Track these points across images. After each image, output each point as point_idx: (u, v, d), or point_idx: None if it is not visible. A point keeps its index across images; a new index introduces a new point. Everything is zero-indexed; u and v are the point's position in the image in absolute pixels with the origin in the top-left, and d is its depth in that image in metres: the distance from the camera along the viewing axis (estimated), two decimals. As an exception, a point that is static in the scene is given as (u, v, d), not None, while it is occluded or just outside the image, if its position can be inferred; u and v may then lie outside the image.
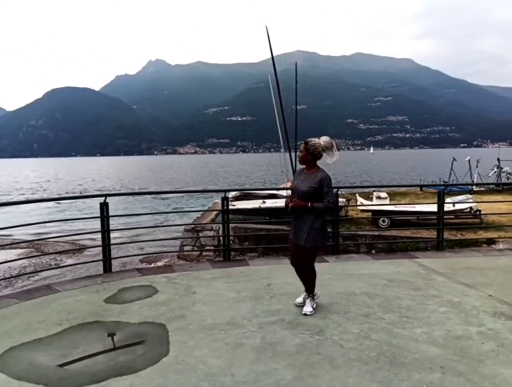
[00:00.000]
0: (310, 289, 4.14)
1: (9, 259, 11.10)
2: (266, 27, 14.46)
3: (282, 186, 15.35)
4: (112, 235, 6.00)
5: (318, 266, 5.80)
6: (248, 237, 12.28)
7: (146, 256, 13.23)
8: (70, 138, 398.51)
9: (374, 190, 15.40)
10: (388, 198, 13.53)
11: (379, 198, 13.27)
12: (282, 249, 9.34)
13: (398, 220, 12.28)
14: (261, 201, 14.36)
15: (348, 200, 13.82)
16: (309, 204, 3.78)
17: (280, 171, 17.11)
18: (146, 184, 49.39)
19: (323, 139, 3.83)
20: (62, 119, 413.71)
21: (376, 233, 11.46)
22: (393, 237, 10.91)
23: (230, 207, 14.60)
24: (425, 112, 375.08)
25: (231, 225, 12.90)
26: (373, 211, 12.65)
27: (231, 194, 15.29)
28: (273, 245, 10.71)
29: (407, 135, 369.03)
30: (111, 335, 3.76)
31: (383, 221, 12.25)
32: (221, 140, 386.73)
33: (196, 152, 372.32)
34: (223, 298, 4.61)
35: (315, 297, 4.22)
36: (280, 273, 5.50)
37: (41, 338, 3.66)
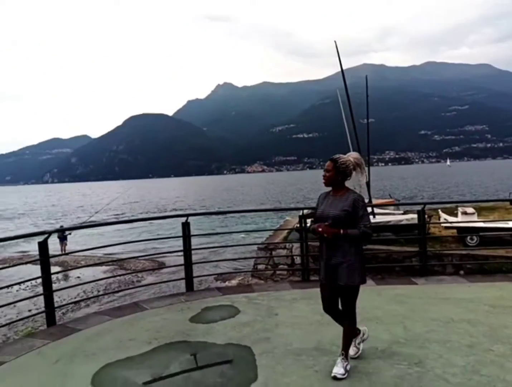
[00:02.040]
0: (346, 344, 3.29)
1: (97, 278, 11.94)
2: (335, 42, 14.29)
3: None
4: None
5: (407, 289, 5.43)
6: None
7: (221, 274, 13.43)
8: (147, 161, 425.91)
9: (457, 206, 14.29)
10: (476, 214, 12.44)
11: (465, 213, 12.24)
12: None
13: (489, 237, 11.20)
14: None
15: (429, 216, 12.95)
16: (342, 231, 3.09)
17: (353, 187, 16.59)
18: (220, 203, 50.75)
19: (353, 156, 3.25)
20: (140, 144, 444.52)
21: (464, 252, 10.54)
22: (484, 257, 9.96)
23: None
24: (508, 119, 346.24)
25: (310, 244, 12.66)
26: (458, 228, 11.69)
27: (305, 211, 15.05)
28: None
29: (488, 145, 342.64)
30: (199, 356, 3.74)
31: (471, 239, 11.25)
32: (287, 158, 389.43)
33: (263, 170, 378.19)
34: (306, 321, 4.43)
35: (358, 341, 3.50)
36: (364, 295, 5.12)
37: (132, 356, 3.76)
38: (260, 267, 13.13)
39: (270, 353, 3.70)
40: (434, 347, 3.62)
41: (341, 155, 3.25)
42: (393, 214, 13.62)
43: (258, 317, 4.62)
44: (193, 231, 6.11)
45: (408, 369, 3.27)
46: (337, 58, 14.55)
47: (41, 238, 4.74)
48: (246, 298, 5.37)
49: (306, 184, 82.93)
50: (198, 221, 29.59)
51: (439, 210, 14.65)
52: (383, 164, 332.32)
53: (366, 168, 3.36)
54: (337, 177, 3.20)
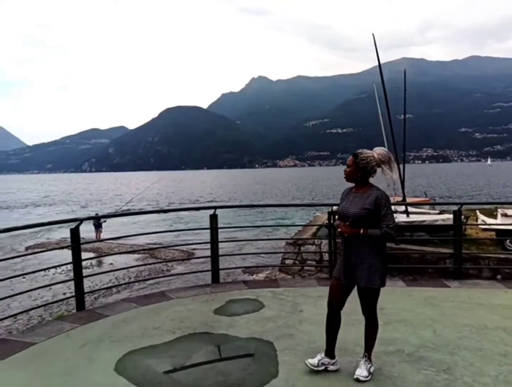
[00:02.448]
0: (369, 346, 3.20)
1: (128, 265, 12.28)
2: (373, 35, 13.88)
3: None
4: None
5: (439, 292, 5.22)
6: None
7: (248, 267, 13.45)
8: (181, 153, 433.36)
9: (497, 207, 13.64)
10: None
11: (505, 215, 11.67)
12: (394, 269, 8.70)
13: (530, 241, 10.63)
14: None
15: (466, 217, 12.45)
16: (362, 231, 2.95)
17: (387, 185, 16.15)
18: (251, 197, 50.92)
19: (377, 151, 3.06)
20: (174, 136, 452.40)
21: (502, 256, 10.07)
22: (524, 261, 9.47)
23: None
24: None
25: (338, 241, 12.43)
26: (497, 230, 11.17)
27: (335, 208, 14.80)
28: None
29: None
30: (221, 348, 3.75)
31: (511, 242, 10.73)
32: (320, 153, 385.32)
33: (295, 165, 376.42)
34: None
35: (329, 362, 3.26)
36: (394, 296, 5.04)
37: (156, 344, 3.81)
38: (287, 262, 13.06)
39: (292, 350, 3.65)
40: (465, 354, 3.46)
41: (364, 150, 3.10)
42: (428, 213, 13.18)
43: (282, 313, 4.57)
44: (222, 224, 6.14)
45: (436, 375, 3.14)
46: (375, 52, 14.16)
47: (73, 225, 4.87)
48: (271, 292, 5.33)
49: (338, 181, 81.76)
50: (229, 213, 29.78)
51: (477, 211, 14.06)
52: (420, 161, 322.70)
53: (396, 166, 3.17)
54: (357, 173, 3.06)
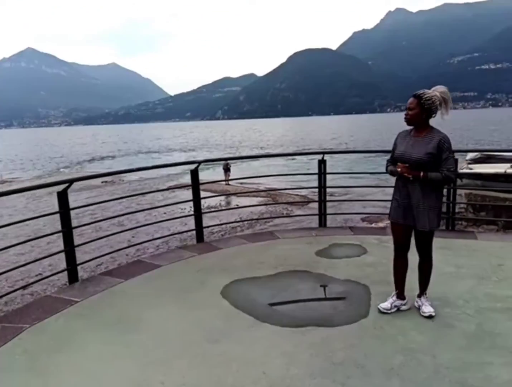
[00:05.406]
0: (426, 285, 3.41)
1: (248, 205, 13.17)
2: None
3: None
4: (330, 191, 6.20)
5: None
6: (486, 207, 10.58)
7: (360, 215, 13.09)
8: (308, 99, 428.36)
9: None
10: None
11: None
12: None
13: None
14: (508, 165, 12.02)
15: None
16: (422, 173, 2.97)
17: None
18: (377, 144, 48.51)
19: (440, 90, 2.98)
20: (301, 81, 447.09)
21: None
22: None
23: (467, 171, 12.78)
24: None
25: (465, 191, 11.35)
26: None
27: (469, 155, 13.35)
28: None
29: None
30: (316, 286, 3.95)
31: None
32: (465, 94, 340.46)
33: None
34: (438, 271, 4.08)
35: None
36: (516, 253, 4.55)
37: (258, 276, 4.19)
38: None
39: (388, 295, 3.64)
40: None
41: (425, 90, 3.00)
42: None
43: (384, 260, 4.52)
44: (335, 170, 6.17)
45: (547, 340, 2.84)
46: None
47: (193, 167, 5.43)
48: (377, 240, 5.27)
49: (490, 126, 71.60)
50: (350, 162, 28.81)
51: None
52: None
53: (451, 105, 3.06)
54: (421, 115, 3.01)
